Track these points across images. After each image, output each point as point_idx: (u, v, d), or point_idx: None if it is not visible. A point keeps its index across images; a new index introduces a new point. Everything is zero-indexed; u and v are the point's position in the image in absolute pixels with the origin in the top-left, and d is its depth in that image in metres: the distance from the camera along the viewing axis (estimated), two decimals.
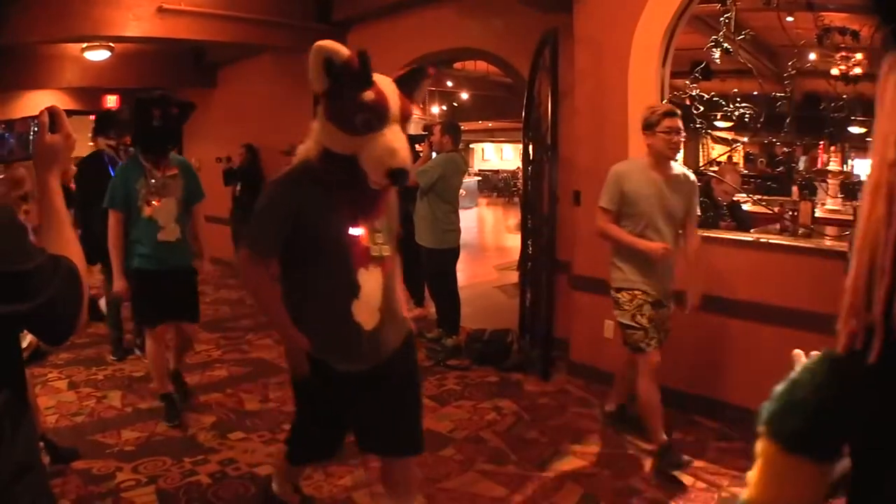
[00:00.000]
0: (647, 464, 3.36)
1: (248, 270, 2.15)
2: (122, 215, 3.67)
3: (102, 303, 5.28)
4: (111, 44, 7.26)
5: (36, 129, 1.22)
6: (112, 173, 4.42)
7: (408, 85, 2.06)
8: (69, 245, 1.18)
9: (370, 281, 2.10)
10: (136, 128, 3.70)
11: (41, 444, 3.06)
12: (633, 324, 3.25)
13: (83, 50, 7.45)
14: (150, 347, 3.86)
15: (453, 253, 5.41)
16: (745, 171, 9.84)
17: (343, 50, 1.92)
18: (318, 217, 2.04)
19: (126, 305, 4.55)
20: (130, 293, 3.76)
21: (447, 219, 5.29)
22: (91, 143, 5.10)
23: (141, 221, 3.69)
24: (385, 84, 1.98)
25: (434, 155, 5.39)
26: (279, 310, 2.15)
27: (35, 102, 8.38)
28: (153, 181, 3.70)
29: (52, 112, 1.23)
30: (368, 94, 1.92)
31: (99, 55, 7.53)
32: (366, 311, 2.11)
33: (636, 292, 3.27)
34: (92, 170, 4.86)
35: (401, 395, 2.26)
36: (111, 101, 9.57)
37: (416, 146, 5.81)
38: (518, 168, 16.83)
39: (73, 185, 4.99)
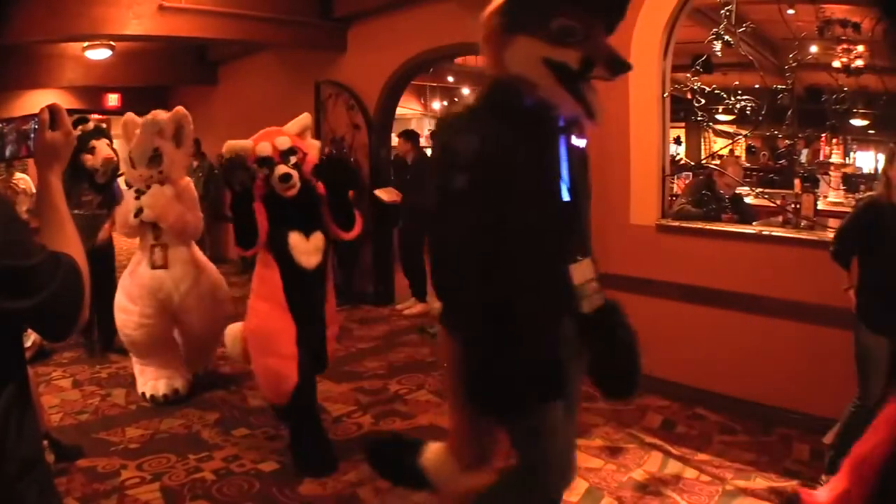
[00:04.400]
0: (652, 457, 3.36)
1: None
2: None
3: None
4: (112, 42, 7.25)
5: (36, 126, 1.22)
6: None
7: None
8: (70, 242, 1.18)
9: None
10: None
11: (45, 442, 3.07)
12: None
13: (84, 49, 7.44)
14: None
15: None
16: (747, 164, 9.82)
17: None
18: None
19: None
20: None
21: None
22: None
23: None
24: None
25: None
26: None
27: (36, 102, 8.37)
28: None
29: (52, 109, 1.23)
30: None
31: (100, 54, 7.51)
32: None
33: None
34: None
35: None
36: (112, 99, 9.57)
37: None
38: None
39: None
